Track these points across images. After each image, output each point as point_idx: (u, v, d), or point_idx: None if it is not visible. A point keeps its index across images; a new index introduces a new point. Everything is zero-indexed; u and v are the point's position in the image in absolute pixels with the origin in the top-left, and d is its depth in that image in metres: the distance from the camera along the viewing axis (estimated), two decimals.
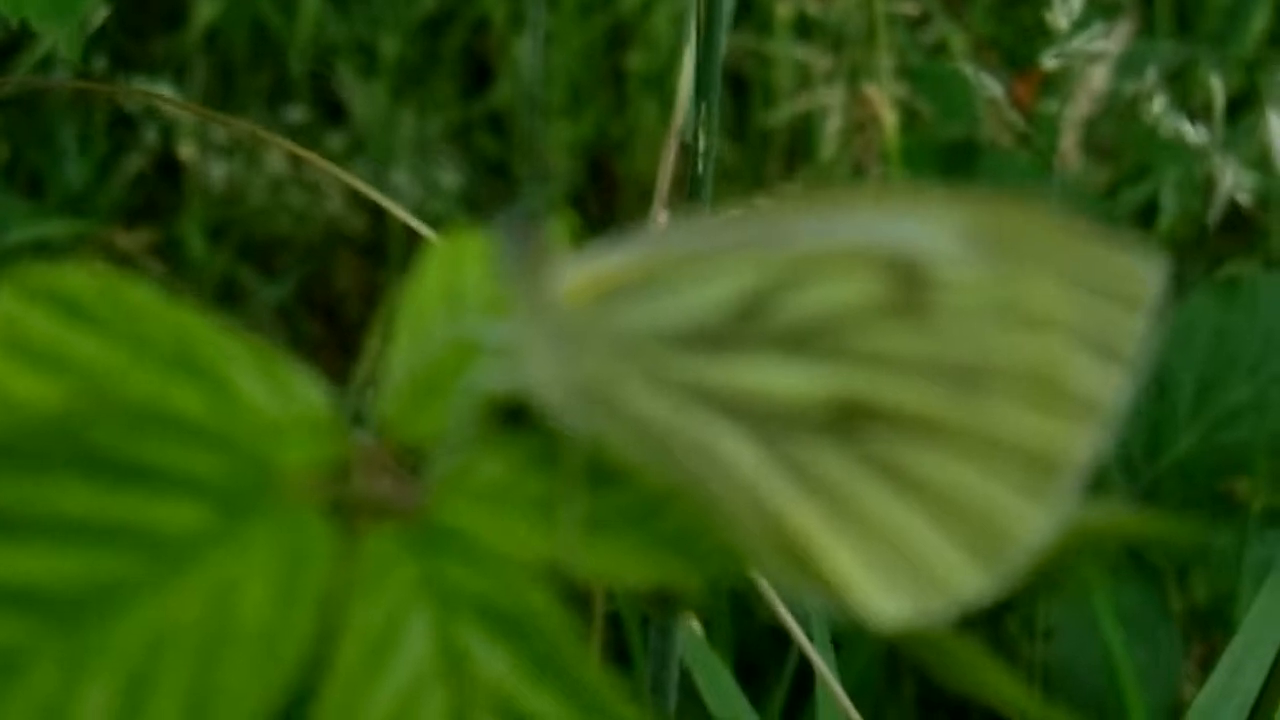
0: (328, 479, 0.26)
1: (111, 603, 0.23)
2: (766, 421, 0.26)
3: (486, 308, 0.28)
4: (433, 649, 0.24)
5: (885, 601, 0.26)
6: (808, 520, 0.26)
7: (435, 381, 0.28)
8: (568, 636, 0.25)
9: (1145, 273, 0.26)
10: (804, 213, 0.26)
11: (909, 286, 0.25)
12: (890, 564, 0.26)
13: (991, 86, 0.87)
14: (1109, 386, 0.26)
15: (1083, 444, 0.26)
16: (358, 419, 0.28)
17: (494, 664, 0.24)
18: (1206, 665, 0.83)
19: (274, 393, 0.27)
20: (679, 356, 0.26)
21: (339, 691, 0.23)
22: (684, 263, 0.26)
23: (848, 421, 0.26)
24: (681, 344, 0.26)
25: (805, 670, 0.71)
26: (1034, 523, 0.26)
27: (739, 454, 0.26)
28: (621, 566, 0.26)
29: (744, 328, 0.26)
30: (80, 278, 0.27)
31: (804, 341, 0.26)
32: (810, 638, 0.55)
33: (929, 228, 0.25)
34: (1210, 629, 0.84)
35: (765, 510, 0.26)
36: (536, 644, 0.25)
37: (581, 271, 0.26)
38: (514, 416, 0.27)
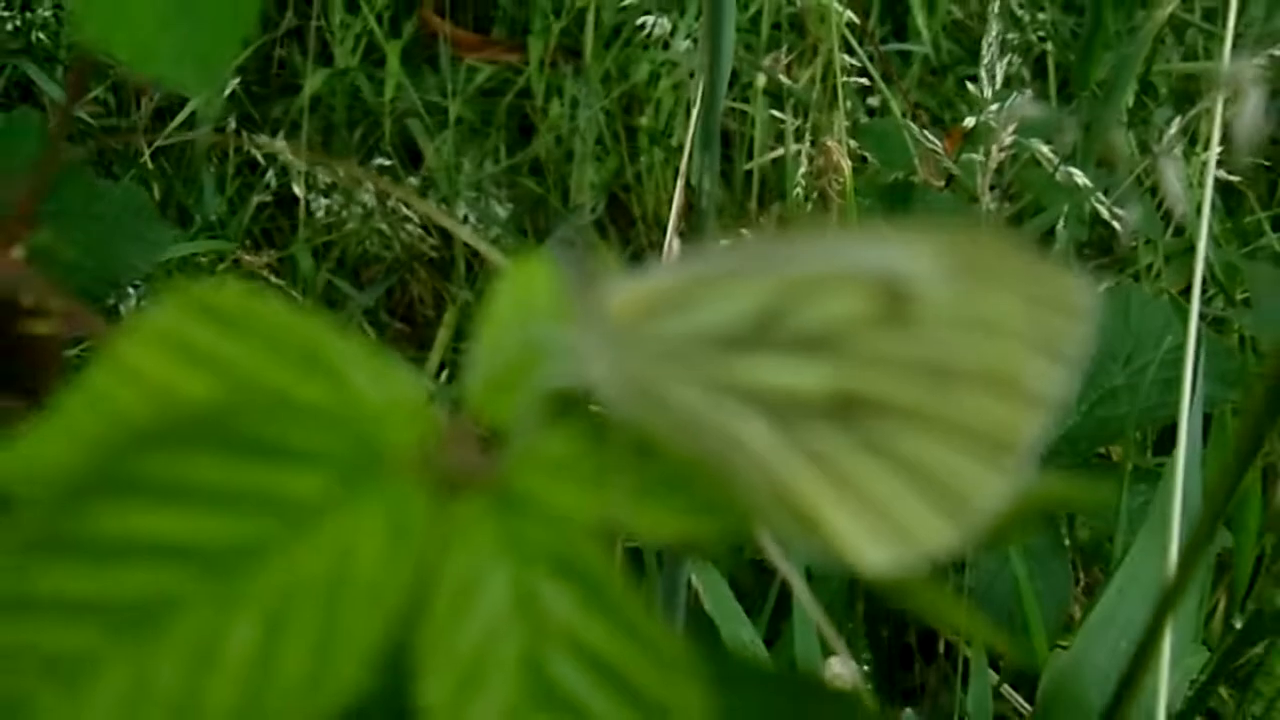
0: (425, 454, 0.25)
1: (253, 557, 0.22)
2: (780, 411, 0.25)
3: (552, 318, 0.27)
4: (510, 593, 0.24)
5: (871, 553, 0.25)
6: (811, 489, 0.25)
7: (511, 376, 0.27)
8: (618, 580, 0.24)
9: (1080, 289, 0.25)
10: (809, 243, 0.26)
11: (893, 302, 0.25)
12: (876, 523, 0.25)
13: (925, 140, 0.87)
14: (1054, 381, 0.25)
15: (1032, 428, 0.25)
16: (440, 402, 0.27)
17: (559, 604, 0.24)
18: (1089, 592, 0.83)
19: (379, 384, 0.26)
20: (708, 358, 0.25)
21: (433, 630, 0.23)
22: (712, 283, 0.25)
23: (845, 410, 0.25)
24: (710, 348, 0.25)
25: (781, 598, 0.71)
26: (993, 490, 0.25)
27: (756, 436, 0.25)
28: (661, 525, 0.25)
29: (761, 335, 0.25)
30: (227, 294, 0.26)
31: (810, 346, 0.25)
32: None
33: (910, 255, 0.25)
34: (1093, 564, 0.84)
35: (777, 481, 0.25)
36: (593, 587, 0.24)
37: (629, 290, 0.26)
38: (576, 405, 0.26)
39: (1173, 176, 0.64)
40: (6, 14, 0.93)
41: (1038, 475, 0.26)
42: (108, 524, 0.21)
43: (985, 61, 0.84)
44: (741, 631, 0.63)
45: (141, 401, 0.24)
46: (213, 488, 0.22)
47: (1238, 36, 0.69)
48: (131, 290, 0.74)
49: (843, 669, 0.56)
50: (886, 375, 0.25)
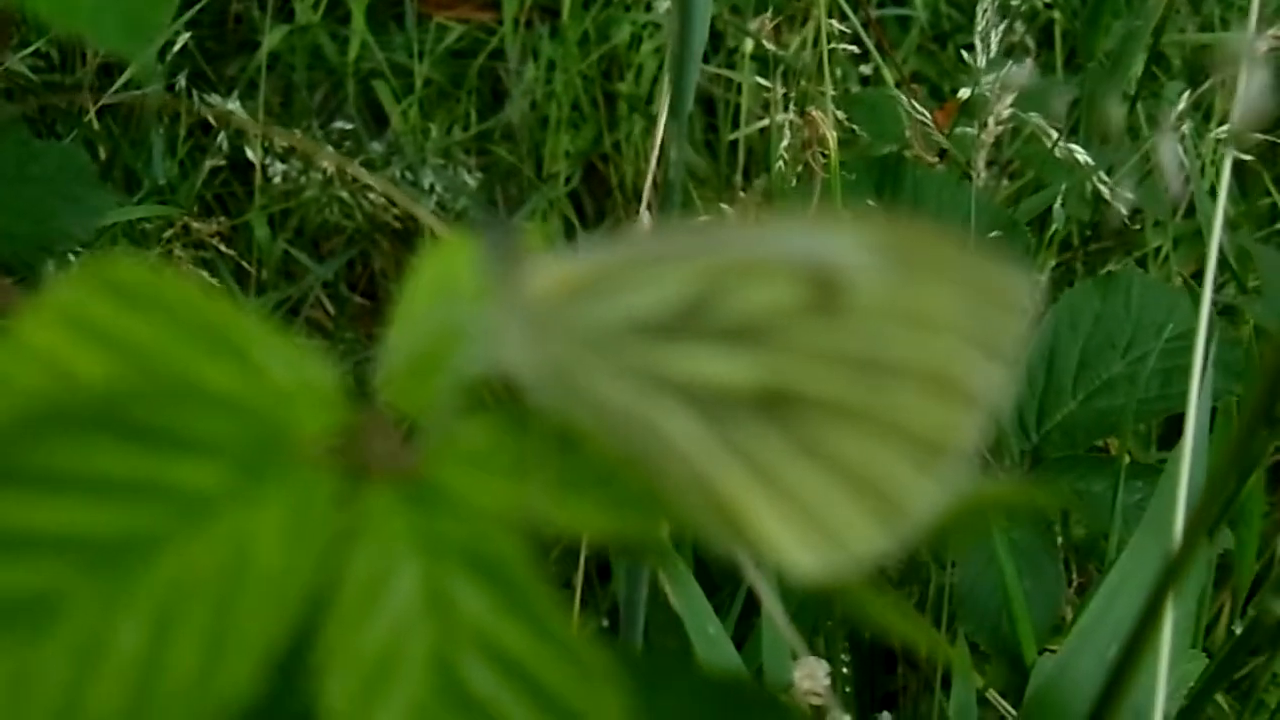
0: (334, 443, 0.25)
1: (142, 551, 0.22)
2: (706, 403, 0.25)
3: (472, 301, 0.27)
4: (420, 589, 0.24)
5: (801, 557, 0.25)
6: (738, 488, 0.25)
7: (428, 361, 0.27)
8: (535, 579, 0.24)
9: (1021, 284, 0.25)
10: (739, 229, 0.26)
11: (825, 292, 0.25)
12: (806, 526, 0.25)
13: (917, 112, 0.87)
14: (991, 380, 0.25)
15: (968, 430, 0.25)
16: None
17: (472, 603, 0.24)
18: (1082, 593, 0.83)
19: (290, 368, 0.26)
20: (632, 346, 0.25)
21: (337, 627, 0.23)
22: (638, 267, 0.25)
23: (775, 405, 0.25)
24: (634, 336, 0.25)
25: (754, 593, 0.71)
26: (925, 495, 0.25)
27: (682, 430, 0.25)
28: (583, 520, 0.25)
29: (687, 324, 0.25)
30: (132, 270, 0.26)
31: (738, 336, 0.25)
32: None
33: (843, 243, 0.25)
34: (1086, 563, 0.84)
35: (703, 478, 0.25)
36: (509, 586, 0.24)
37: (552, 271, 0.26)
38: (495, 393, 0.27)
39: (1170, 154, 0.64)
40: None
41: (986, 475, 0.26)
42: None
43: (980, 27, 0.83)
44: (708, 627, 0.63)
45: (36, 382, 0.24)
46: (103, 477, 0.22)
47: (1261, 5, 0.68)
48: (71, 258, 0.74)
49: (812, 669, 0.56)
50: (817, 369, 0.25)
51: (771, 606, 0.56)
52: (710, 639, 0.64)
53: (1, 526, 0.21)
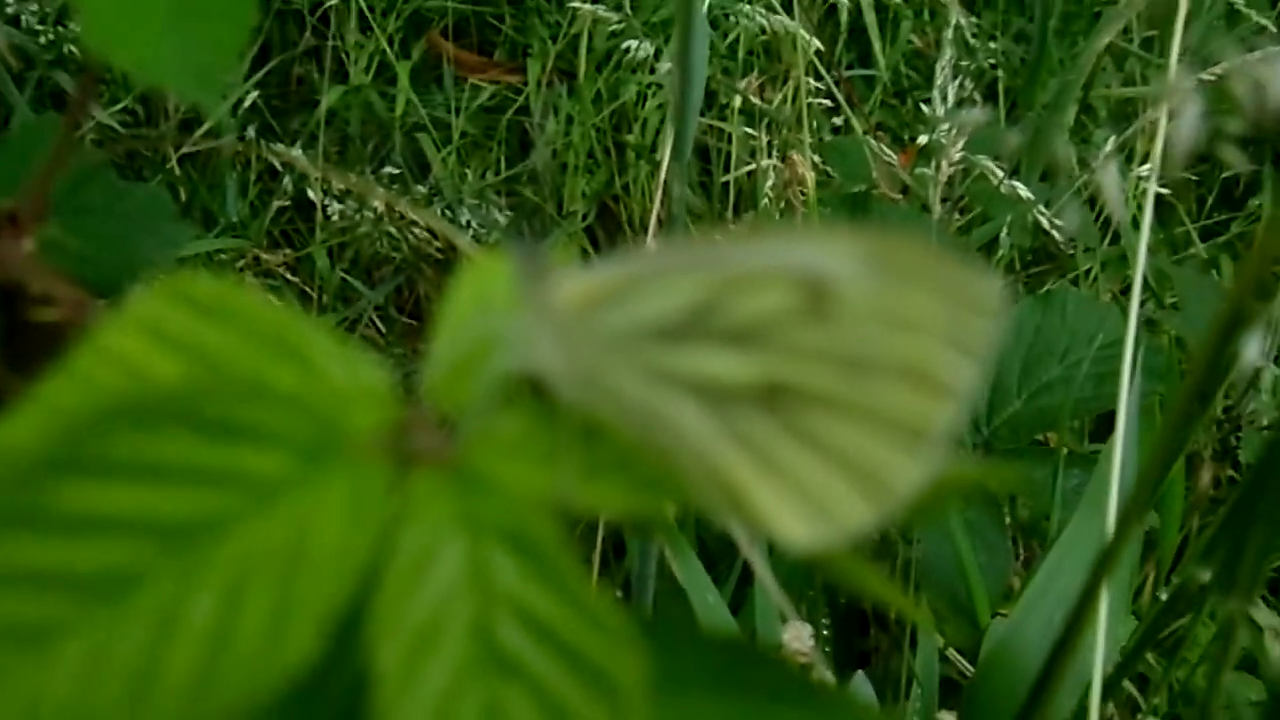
0: (386, 436, 0.24)
1: (215, 531, 0.21)
2: (711, 397, 0.24)
3: (507, 311, 0.26)
4: (462, 564, 0.23)
5: (796, 530, 0.25)
6: (741, 470, 0.25)
7: (467, 365, 0.26)
8: (564, 552, 0.23)
9: (990, 290, 0.24)
10: (739, 244, 0.25)
11: (816, 298, 0.24)
12: (801, 503, 0.25)
13: (882, 156, 0.86)
14: (964, 374, 0.24)
15: (944, 417, 0.24)
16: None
17: (508, 574, 0.23)
18: (1028, 566, 0.82)
19: (347, 371, 0.25)
20: (646, 348, 0.25)
21: (388, 598, 0.22)
22: (651, 279, 0.25)
23: (772, 398, 0.24)
24: (648, 339, 0.25)
25: (748, 566, 0.70)
26: (908, 474, 0.24)
27: (691, 421, 0.24)
28: (605, 501, 0.24)
29: (695, 327, 0.24)
30: (204, 284, 0.25)
31: (740, 338, 0.24)
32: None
33: (832, 255, 0.24)
34: (1031, 540, 0.84)
35: (710, 462, 0.25)
36: (541, 559, 0.23)
37: (575, 284, 0.25)
38: (528, 390, 0.26)
39: (1112, 185, 0.63)
40: (40, 28, 0.92)
41: (954, 459, 0.25)
42: (73, 499, 0.20)
43: (939, 83, 0.83)
44: (708, 596, 0.63)
45: (119, 382, 0.23)
46: (178, 465, 0.21)
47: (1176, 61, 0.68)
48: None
49: (798, 632, 0.55)
50: (810, 366, 0.24)
51: (764, 577, 0.55)
52: (710, 606, 0.63)
53: (87, 510, 0.20)
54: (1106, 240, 1.01)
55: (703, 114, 1.09)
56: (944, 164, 0.81)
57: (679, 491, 0.24)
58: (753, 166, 0.97)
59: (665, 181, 0.68)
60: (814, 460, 0.24)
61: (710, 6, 0.96)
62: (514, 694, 0.22)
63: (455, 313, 0.27)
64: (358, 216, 0.98)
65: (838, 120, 1.05)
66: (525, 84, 1.12)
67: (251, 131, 0.98)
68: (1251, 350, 0.36)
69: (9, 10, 0.91)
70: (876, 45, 1.13)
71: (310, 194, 0.98)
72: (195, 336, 0.24)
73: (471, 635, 0.22)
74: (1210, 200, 1.11)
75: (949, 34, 0.88)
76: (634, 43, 0.98)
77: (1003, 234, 0.88)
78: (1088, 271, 1.00)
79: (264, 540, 0.21)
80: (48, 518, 0.20)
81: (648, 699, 0.22)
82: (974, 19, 1.11)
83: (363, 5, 1.08)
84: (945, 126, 0.82)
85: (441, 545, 0.23)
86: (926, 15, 1.17)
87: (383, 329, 1.02)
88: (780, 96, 1.04)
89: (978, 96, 1.08)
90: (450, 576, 0.23)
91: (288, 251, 0.98)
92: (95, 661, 0.19)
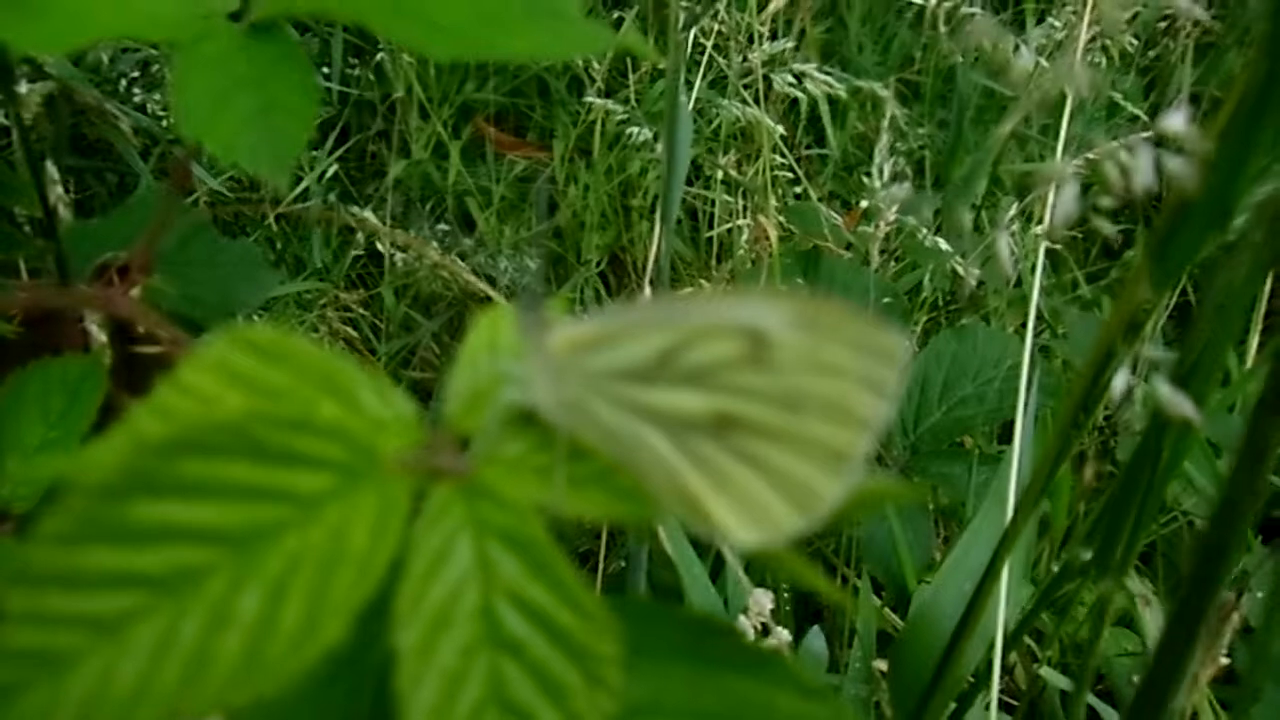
0: (412, 456, 0.23)
1: (266, 537, 0.20)
2: (674, 427, 0.24)
3: (511, 354, 0.25)
4: (471, 559, 0.22)
5: (743, 534, 0.24)
6: (698, 485, 0.24)
7: (479, 397, 0.25)
8: (556, 551, 0.22)
9: (897, 343, 0.24)
10: (696, 303, 0.24)
11: (757, 347, 0.23)
12: (746, 512, 0.24)
13: (832, 218, 0.85)
14: (877, 411, 0.24)
15: (862, 444, 0.24)
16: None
17: (509, 568, 0.22)
18: (947, 542, 0.81)
19: (382, 403, 0.24)
20: (621, 386, 0.24)
21: (409, 588, 0.21)
22: (625, 330, 0.24)
23: (722, 427, 0.24)
24: (623, 379, 0.24)
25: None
26: (832, 490, 0.24)
27: (657, 445, 0.24)
28: (590, 509, 0.24)
29: (661, 370, 0.24)
30: (266, 332, 0.24)
31: (696, 379, 0.24)
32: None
33: (770, 313, 0.23)
34: (950, 521, 0.83)
35: (673, 478, 0.24)
36: (536, 556, 0.22)
37: (566, 333, 0.24)
38: (527, 419, 0.25)
39: (1004, 247, 0.62)
40: (163, 113, 0.91)
41: (872, 474, 0.24)
42: (148, 511, 0.20)
43: (878, 160, 0.82)
44: (693, 568, 0.62)
45: (194, 412, 0.23)
46: (234, 484, 0.21)
47: (1064, 145, 0.67)
48: (256, 319, 0.72)
49: (759, 600, 0.54)
50: (752, 402, 0.24)
51: (731, 558, 0.54)
52: (694, 575, 0.63)
53: (158, 520, 0.20)
54: (1011, 284, 1.00)
55: (692, 183, 1.08)
56: (881, 224, 0.81)
57: (649, 501, 0.24)
58: (731, 225, 0.97)
59: (659, 237, 0.68)
60: (757, 478, 0.24)
61: (697, 100, 0.95)
62: (513, 666, 0.21)
63: (470, 355, 0.26)
64: (418, 264, 0.98)
65: (798, 189, 1.05)
66: (551, 159, 1.12)
67: (333, 196, 0.97)
68: (1122, 374, 0.36)
69: (136, 100, 0.90)
70: (829, 130, 1.13)
71: (380, 246, 0.98)
72: (257, 374, 0.24)
73: (478, 618, 0.21)
74: (1094, 251, 1.10)
75: (886, 122, 0.87)
76: (636, 129, 0.98)
77: (927, 279, 0.87)
78: (995, 309, 0.99)
79: (305, 544, 0.20)
80: (127, 526, 0.19)
81: (622, 670, 0.21)
82: (906, 110, 1.11)
83: (422, 98, 1.08)
84: (883, 194, 0.82)
85: (454, 545, 0.22)
86: (869, 107, 1.16)
87: (438, 351, 1.01)
88: (753, 170, 1.04)
89: (909, 171, 1.08)
90: (461, 570, 0.22)
91: (361, 291, 0.97)
92: (161, 645, 0.19)
